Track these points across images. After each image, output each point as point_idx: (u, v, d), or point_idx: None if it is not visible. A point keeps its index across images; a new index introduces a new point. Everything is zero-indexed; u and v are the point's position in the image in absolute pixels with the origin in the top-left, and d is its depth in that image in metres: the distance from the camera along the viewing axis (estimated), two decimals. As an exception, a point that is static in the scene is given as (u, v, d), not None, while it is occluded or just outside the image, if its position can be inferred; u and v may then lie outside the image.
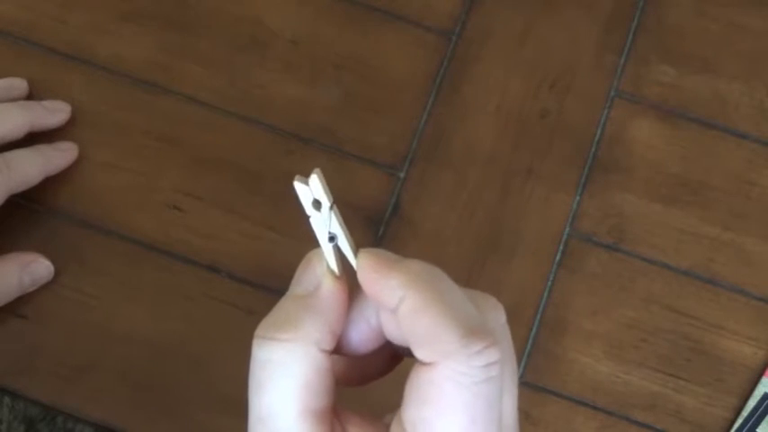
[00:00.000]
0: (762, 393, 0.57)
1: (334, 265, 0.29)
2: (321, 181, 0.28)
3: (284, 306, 0.29)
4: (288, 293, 0.30)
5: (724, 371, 0.57)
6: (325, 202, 0.29)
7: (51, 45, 0.61)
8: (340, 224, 0.29)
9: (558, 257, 0.58)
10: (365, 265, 0.28)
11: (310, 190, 0.29)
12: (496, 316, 0.30)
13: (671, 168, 0.60)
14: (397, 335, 0.29)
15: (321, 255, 0.29)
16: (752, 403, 0.56)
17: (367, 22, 0.63)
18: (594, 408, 0.56)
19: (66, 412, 0.55)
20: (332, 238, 0.29)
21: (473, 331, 0.26)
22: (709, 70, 0.62)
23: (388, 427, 0.29)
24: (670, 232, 0.59)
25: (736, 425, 0.56)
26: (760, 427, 0.56)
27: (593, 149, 0.60)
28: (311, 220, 0.29)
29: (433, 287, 0.27)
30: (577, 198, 0.59)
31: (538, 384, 0.56)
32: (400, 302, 0.27)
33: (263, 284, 0.56)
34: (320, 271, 0.29)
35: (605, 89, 0.61)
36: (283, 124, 0.59)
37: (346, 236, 0.29)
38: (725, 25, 0.63)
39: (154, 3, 0.63)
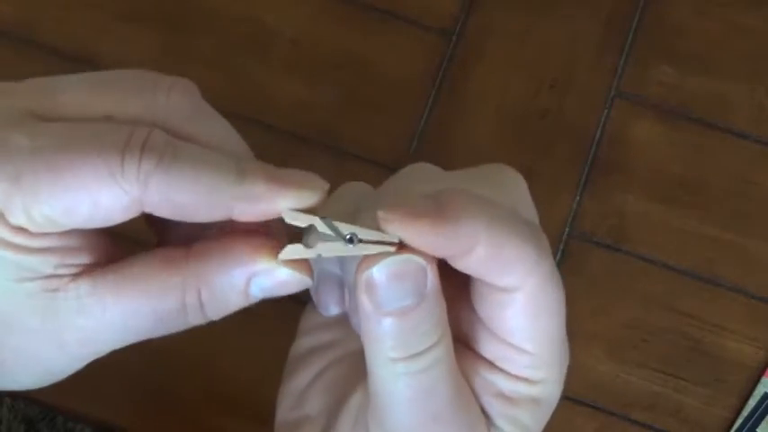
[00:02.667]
0: (762, 393, 0.57)
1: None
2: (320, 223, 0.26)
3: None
4: None
5: (724, 371, 0.57)
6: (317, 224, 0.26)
7: (52, 45, 0.61)
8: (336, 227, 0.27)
9: (558, 258, 0.58)
10: (424, 230, 0.25)
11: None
12: (523, 191, 0.30)
13: (671, 168, 0.60)
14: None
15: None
16: (752, 403, 0.57)
17: (367, 22, 0.63)
18: (594, 408, 0.56)
19: (66, 412, 0.55)
20: (351, 240, 0.26)
21: (539, 244, 0.27)
22: (709, 70, 0.62)
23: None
24: (670, 232, 0.59)
25: (736, 425, 0.56)
26: (760, 427, 0.56)
27: (593, 149, 0.60)
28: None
29: (495, 216, 0.26)
30: (577, 198, 0.59)
31: (538, 384, 0.56)
32: (473, 247, 0.25)
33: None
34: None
35: (605, 89, 0.61)
36: (283, 124, 0.59)
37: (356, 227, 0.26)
38: (725, 25, 0.63)
39: (154, 3, 0.63)
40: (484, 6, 0.63)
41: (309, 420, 0.30)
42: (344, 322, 0.31)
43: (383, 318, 0.26)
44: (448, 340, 0.27)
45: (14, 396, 0.55)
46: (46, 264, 0.26)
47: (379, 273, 0.25)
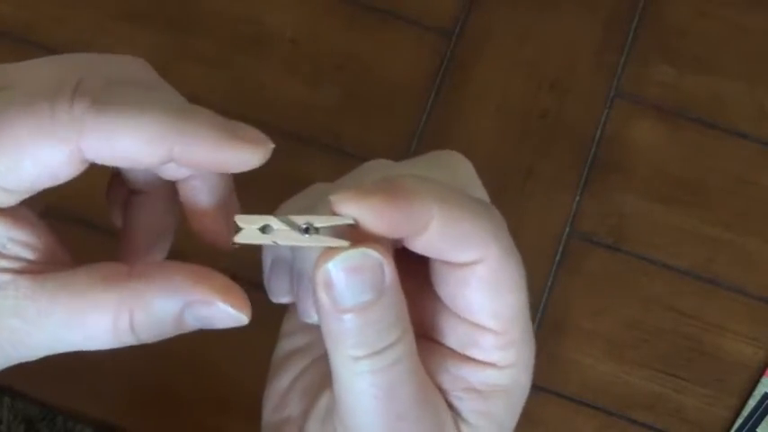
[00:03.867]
0: (762, 393, 0.57)
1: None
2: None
3: None
4: None
5: (724, 371, 0.57)
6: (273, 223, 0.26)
7: (52, 45, 0.61)
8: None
9: (558, 257, 0.58)
10: (376, 206, 0.25)
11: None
12: (471, 173, 0.30)
13: (671, 168, 0.60)
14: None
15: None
16: (752, 403, 0.57)
17: (367, 22, 0.63)
18: (594, 408, 0.56)
19: (66, 412, 0.55)
20: (307, 229, 0.26)
21: (493, 219, 0.27)
22: (709, 70, 0.62)
23: None
24: (670, 232, 0.59)
25: (736, 425, 0.56)
26: (760, 427, 0.56)
27: (593, 149, 0.60)
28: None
29: (447, 193, 0.26)
30: (577, 198, 0.59)
31: (538, 384, 0.56)
32: (428, 222, 0.25)
33: (264, 285, 0.56)
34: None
35: (605, 89, 0.61)
36: (283, 124, 0.59)
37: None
38: (725, 25, 0.63)
39: (154, 3, 0.63)
40: (484, 6, 0.63)
41: (290, 422, 0.30)
42: None
43: (342, 315, 0.25)
44: (410, 336, 0.26)
45: (14, 396, 0.55)
46: None
47: (335, 269, 0.25)
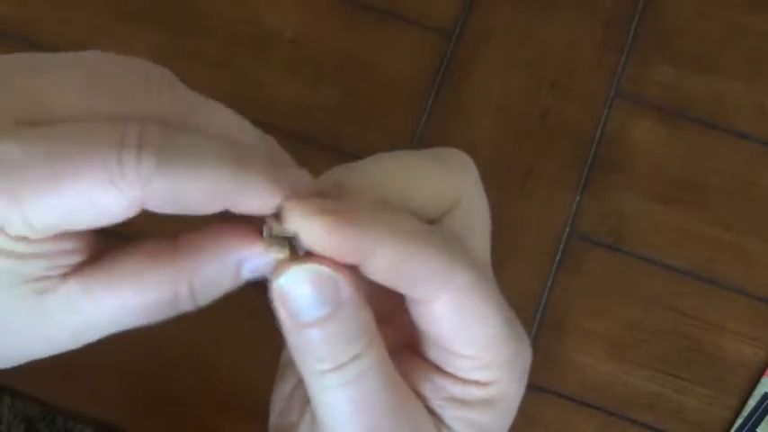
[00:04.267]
0: (762, 393, 0.57)
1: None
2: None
3: None
4: None
5: (724, 371, 0.57)
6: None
7: (51, 45, 0.61)
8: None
9: (558, 257, 0.58)
10: (321, 228, 0.25)
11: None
12: (468, 175, 0.30)
13: (671, 168, 0.60)
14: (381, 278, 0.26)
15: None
16: (752, 403, 0.56)
17: (367, 22, 0.63)
18: (594, 408, 0.56)
19: (66, 412, 0.55)
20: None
21: (453, 254, 0.26)
22: (709, 70, 0.62)
23: None
24: (670, 232, 0.59)
25: (736, 425, 0.56)
26: (760, 427, 0.56)
27: (593, 149, 0.60)
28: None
29: (403, 227, 0.26)
30: (577, 198, 0.59)
31: (538, 384, 0.56)
32: (372, 254, 0.25)
33: (263, 284, 0.56)
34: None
35: (605, 89, 0.61)
36: (283, 124, 0.59)
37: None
38: (725, 25, 0.63)
39: (154, 3, 0.63)
40: (484, 6, 0.63)
41: (292, 428, 0.30)
42: None
43: (302, 329, 0.26)
44: (378, 347, 0.26)
45: (14, 396, 0.55)
46: (37, 267, 0.26)
47: (288, 284, 0.25)
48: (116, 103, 0.27)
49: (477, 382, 0.28)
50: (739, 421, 0.56)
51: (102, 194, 0.25)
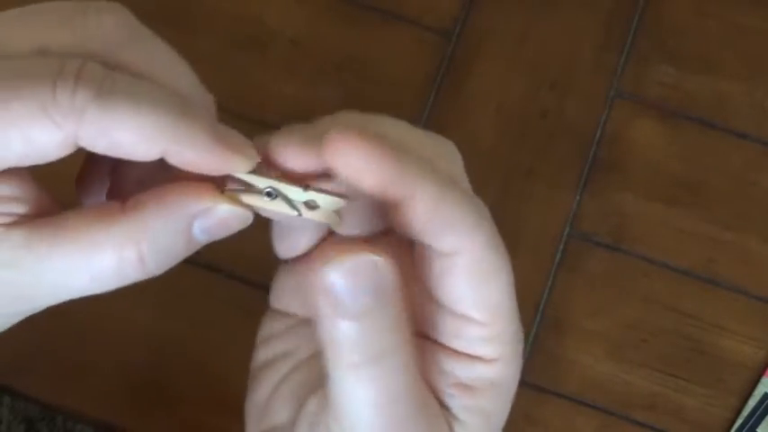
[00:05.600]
0: (762, 393, 0.57)
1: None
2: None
3: None
4: None
5: (724, 371, 0.57)
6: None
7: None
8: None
9: (558, 257, 0.58)
10: (372, 154, 0.25)
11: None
12: (461, 165, 0.30)
13: (671, 168, 0.60)
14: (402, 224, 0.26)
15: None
16: (752, 403, 0.57)
17: (367, 22, 0.63)
18: (594, 408, 0.56)
19: (66, 412, 0.55)
20: (308, 204, 0.27)
21: (478, 209, 0.27)
22: (709, 70, 0.62)
23: None
24: (670, 232, 0.59)
25: (736, 425, 0.56)
26: (760, 427, 0.56)
27: (593, 149, 0.60)
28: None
29: (437, 172, 0.26)
30: (577, 198, 0.59)
31: (538, 384, 0.56)
32: (414, 193, 0.25)
33: (263, 284, 0.56)
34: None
35: (605, 89, 0.61)
36: (283, 124, 0.59)
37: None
38: (725, 25, 0.63)
39: (154, 3, 0.63)
40: (484, 6, 0.63)
41: (277, 430, 0.30)
42: (299, 330, 0.31)
43: (342, 320, 0.25)
44: (411, 343, 0.26)
45: (14, 396, 0.55)
46: None
47: (335, 273, 0.25)
48: (54, 34, 0.26)
49: (481, 359, 0.28)
50: (739, 421, 0.56)
51: (35, 125, 0.24)
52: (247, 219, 0.27)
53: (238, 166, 0.27)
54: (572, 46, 0.62)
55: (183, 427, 0.55)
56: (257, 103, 0.60)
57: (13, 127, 0.24)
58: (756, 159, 0.60)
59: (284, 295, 0.31)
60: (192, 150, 0.25)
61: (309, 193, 0.26)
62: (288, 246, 0.30)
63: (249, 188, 0.27)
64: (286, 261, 0.31)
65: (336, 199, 0.26)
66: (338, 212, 0.27)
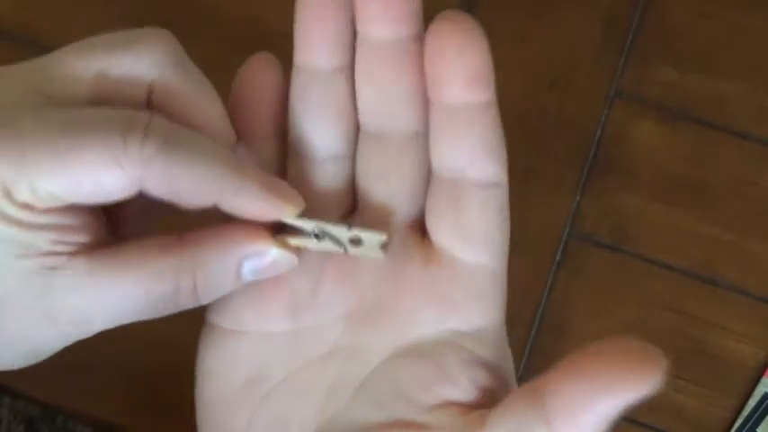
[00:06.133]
0: (762, 393, 0.57)
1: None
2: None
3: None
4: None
5: (724, 371, 0.57)
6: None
7: (51, 45, 0.61)
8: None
9: (558, 258, 0.58)
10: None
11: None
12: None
13: (671, 168, 0.60)
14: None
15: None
16: (752, 403, 0.56)
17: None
18: (594, 408, 0.56)
19: (66, 412, 0.55)
20: (353, 241, 0.29)
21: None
22: (709, 70, 0.62)
23: None
24: (670, 232, 0.59)
25: (737, 425, 0.56)
26: (760, 427, 0.56)
27: (593, 149, 0.60)
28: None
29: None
30: (577, 198, 0.59)
31: (538, 384, 0.56)
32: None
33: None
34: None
35: (605, 89, 0.61)
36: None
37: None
38: (725, 25, 0.63)
39: (154, 3, 0.63)
40: (484, 6, 0.63)
41: None
42: (263, 348, 0.31)
43: None
44: None
45: (14, 396, 0.55)
46: (45, 240, 0.27)
47: None
48: (113, 60, 0.29)
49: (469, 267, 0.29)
50: (739, 421, 0.56)
51: (104, 171, 0.26)
52: (294, 262, 0.29)
53: (287, 213, 0.29)
54: (572, 46, 0.62)
55: (183, 427, 0.55)
56: (257, 103, 0.60)
57: (86, 173, 0.26)
58: (756, 159, 0.60)
59: (234, 308, 0.31)
60: (244, 199, 0.28)
61: (353, 231, 0.29)
62: None
63: (297, 231, 0.29)
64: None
65: (378, 234, 0.29)
66: (383, 246, 0.29)
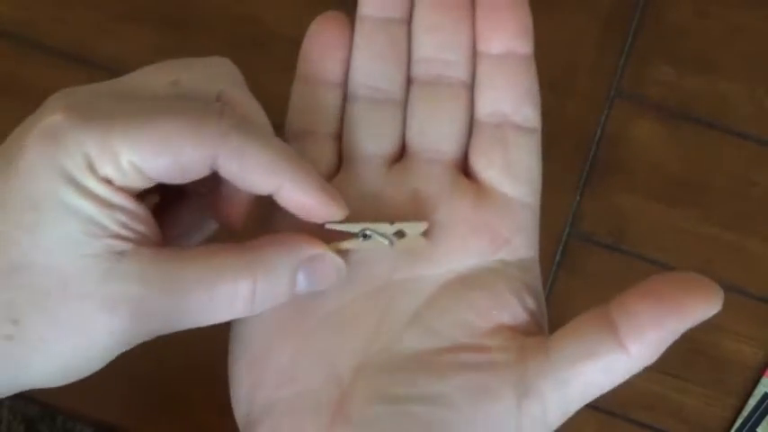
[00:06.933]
0: (762, 393, 0.57)
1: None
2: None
3: None
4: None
5: (724, 371, 0.57)
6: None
7: (51, 45, 0.61)
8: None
9: (558, 257, 0.58)
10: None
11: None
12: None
13: (671, 168, 0.60)
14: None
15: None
16: (752, 403, 0.57)
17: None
18: (594, 408, 0.56)
19: (66, 412, 0.55)
20: (397, 234, 0.31)
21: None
22: (709, 70, 0.62)
23: None
24: (670, 232, 0.59)
25: (737, 425, 0.56)
26: (760, 427, 0.56)
27: (593, 149, 0.60)
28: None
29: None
30: (577, 198, 0.59)
31: (538, 384, 0.56)
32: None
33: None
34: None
35: (605, 89, 0.61)
36: (283, 124, 0.59)
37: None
38: (725, 25, 0.63)
39: (154, 2, 0.63)
40: (484, 6, 0.63)
41: (306, 395, 0.31)
42: None
43: None
44: None
45: (14, 396, 0.55)
46: (116, 221, 0.27)
47: None
48: (187, 72, 0.33)
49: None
50: (739, 421, 0.56)
51: (185, 141, 0.27)
52: (343, 270, 0.30)
53: (336, 213, 0.30)
54: (572, 46, 0.62)
55: (183, 427, 0.55)
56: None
57: (167, 143, 0.27)
58: (756, 159, 0.60)
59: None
60: (302, 192, 0.29)
61: (395, 225, 0.31)
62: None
63: (343, 235, 0.31)
64: None
65: (419, 223, 0.31)
66: (424, 234, 0.31)
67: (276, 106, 0.61)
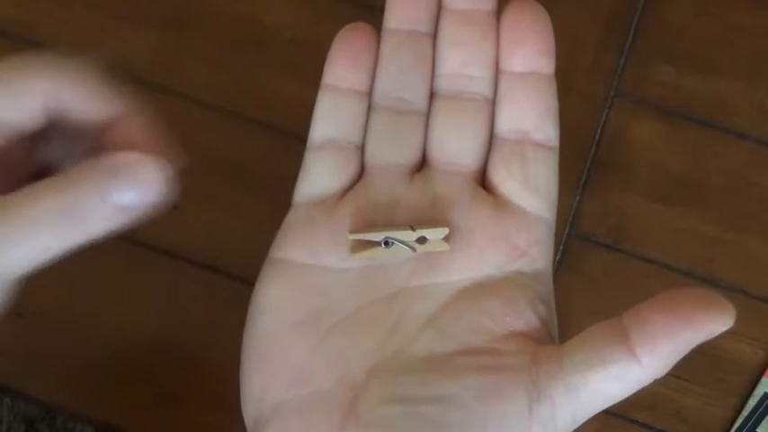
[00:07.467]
0: (762, 393, 0.57)
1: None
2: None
3: None
4: None
5: (724, 371, 0.57)
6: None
7: (51, 45, 0.61)
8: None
9: (558, 257, 0.58)
10: None
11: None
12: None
13: (671, 168, 0.60)
14: None
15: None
16: (752, 403, 0.57)
17: (367, 22, 0.62)
18: (594, 408, 0.56)
19: (66, 412, 0.55)
20: (419, 239, 0.31)
21: None
22: (709, 70, 0.62)
23: None
24: (670, 232, 0.59)
25: (736, 425, 0.56)
26: (760, 426, 0.56)
27: (593, 149, 0.60)
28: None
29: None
30: (577, 198, 0.59)
31: (538, 384, 0.56)
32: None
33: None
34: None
35: (605, 89, 0.61)
36: (283, 124, 0.59)
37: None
38: (725, 25, 0.63)
39: (154, 3, 0.63)
40: (484, 6, 0.63)
41: (318, 395, 0.31)
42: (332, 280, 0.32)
43: None
44: None
45: (14, 396, 0.55)
46: None
47: None
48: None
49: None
50: (739, 421, 0.56)
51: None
52: (170, 172, 0.29)
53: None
54: (572, 46, 0.62)
55: (183, 427, 0.55)
56: (257, 103, 0.60)
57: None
58: (756, 159, 0.60)
59: (310, 244, 0.33)
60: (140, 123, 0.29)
61: (417, 231, 0.31)
62: None
63: (366, 244, 0.31)
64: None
65: (440, 228, 0.31)
66: (445, 239, 0.31)
67: (276, 106, 0.61)
